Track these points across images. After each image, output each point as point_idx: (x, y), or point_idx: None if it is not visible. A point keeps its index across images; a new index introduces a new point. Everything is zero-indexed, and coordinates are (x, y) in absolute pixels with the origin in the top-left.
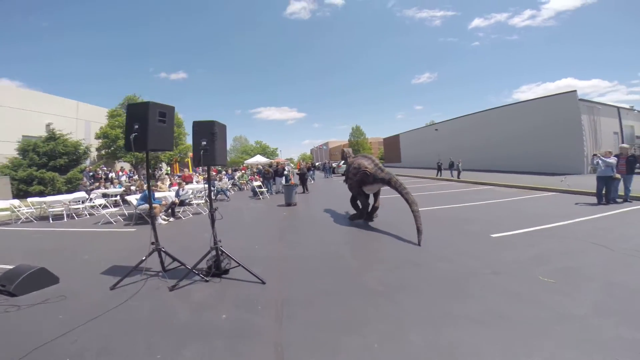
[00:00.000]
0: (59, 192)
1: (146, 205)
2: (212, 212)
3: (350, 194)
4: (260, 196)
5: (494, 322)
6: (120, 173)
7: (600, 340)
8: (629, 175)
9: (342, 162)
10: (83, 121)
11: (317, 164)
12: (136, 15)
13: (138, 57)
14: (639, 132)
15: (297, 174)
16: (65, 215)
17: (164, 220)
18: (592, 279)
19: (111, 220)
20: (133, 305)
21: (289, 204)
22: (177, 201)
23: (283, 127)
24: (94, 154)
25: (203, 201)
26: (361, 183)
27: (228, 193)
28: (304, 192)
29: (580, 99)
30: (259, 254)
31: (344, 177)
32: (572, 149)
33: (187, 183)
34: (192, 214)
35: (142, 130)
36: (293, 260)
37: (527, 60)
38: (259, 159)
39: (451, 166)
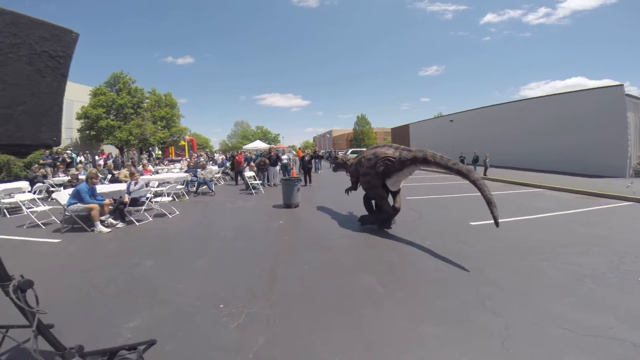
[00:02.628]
0: (17, 179)
1: (80, 206)
2: None
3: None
4: (253, 190)
5: None
6: (97, 158)
7: None
8: None
9: (349, 151)
10: (65, 100)
11: (322, 152)
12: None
13: (145, 41)
14: None
15: (302, 160)
16: None
17: (108, 227)
18: None
19: (38, 222)
20: None
21: (288, 205)
22: (126, 200)
23: (287, 114)
24: (75, 136)
25: (170, 198)
26: (385, 175)
27: (213, 185)
28: (306, 184)
29: (627, 95)
30: (219, 335)
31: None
32: (614, 149)
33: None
34: (153, 217)
35: None
36: None
37: (537, 58)
38: (258, 145)
39: (475, 161)
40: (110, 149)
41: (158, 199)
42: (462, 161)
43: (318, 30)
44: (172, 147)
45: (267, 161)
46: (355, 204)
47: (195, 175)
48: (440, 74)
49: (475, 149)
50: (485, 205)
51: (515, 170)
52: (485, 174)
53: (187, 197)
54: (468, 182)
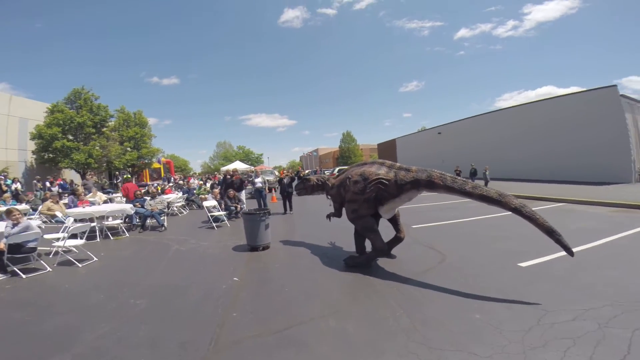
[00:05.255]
0: None
1: None
2: None
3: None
4: (214, 224)
5: None
6: (47, 184)
7: None
8: None
9: (336, 170)
10: (17, 119)
11: (307, 171)
12: (132, 21)
13: (131, 61)
14: None
15: (275, 187)
16: None
17: None
18: None
19: None
20: None
21: (253, 247)
22: (1, 247)
23: (273, 135)
24: (30, 158)
25: (80, 241)
26: (377, 202)
27: (162, 219)
28: (285, 212)
29: (622, 95)
30: None
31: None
32: (615, 153)
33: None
34: (58, 265)
35: None
36: None
37: (509, 69)
38: (238, 165)
39: (473, 175)
40: (71, 174)
41: (70, 241)
42: (459, 175)
43: (303, 49)
44: (147, 170)
45: (233, 192)
46: (347, 233)
47: (142, 206)
48: (420, 89)
49: (466, 160)
50: (525, 232)
51: (516, 182)
52: None
53: (127, 234)
54: (504, 209)
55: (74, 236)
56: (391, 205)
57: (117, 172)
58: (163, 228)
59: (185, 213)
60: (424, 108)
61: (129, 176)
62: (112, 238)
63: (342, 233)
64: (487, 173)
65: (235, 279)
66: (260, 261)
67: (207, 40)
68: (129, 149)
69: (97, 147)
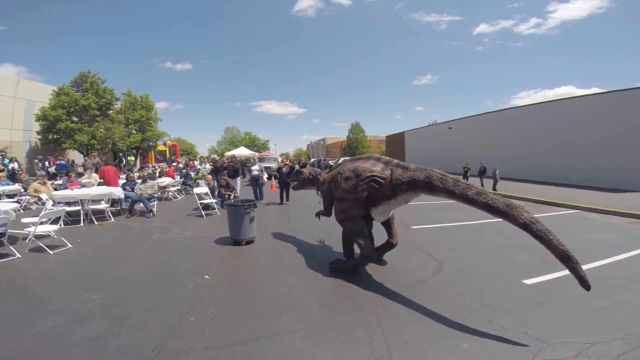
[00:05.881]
0: None
1: None
2: None
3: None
4: (203, 212)
5: None
6: (47, 164)
7: None
8: None
9: (341, 160)
10: (24, 100)
11: (312, 160)
12: (146, 7)
13: (146, 46)
14: None
15: (275, 175)
16: None
17: None
18: None
19: None
20: None
21: (236, 241)
22: None
23: (282, 122)
24: (35, 139)
25: (54, 226)
26: (368, 202)
27: (151, 204)
28: (281, 202)
29: None
30: None
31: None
32: (636, 160)
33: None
34: (29, 251)
35: None
36: None
37: (528, 67)
38: (242, 152)
39: (482, 173)
40: (75, 155)
41: (44, 227)
42: (466, 173)
43: (316, 39)
44: (152, 152)
45: (226, 179)
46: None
47: (132, 190)
48: (434, 83)
49: (476, 157)
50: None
51: (526, 183)
52: (494, 189)
53: (113, 220)
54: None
55: (56, 220)
56: (385, 207)
57: (120, 154)
58: (151, 214)
59: (179, 198)
60: (437, 102)
61: (132, 158)
62: (96, 223)
63: (336, 231)
64: (496, 172)
65: (206, 277)
66: (240, 258)
67: (221, 27)
68: (134, 131)
69: (102, 129)
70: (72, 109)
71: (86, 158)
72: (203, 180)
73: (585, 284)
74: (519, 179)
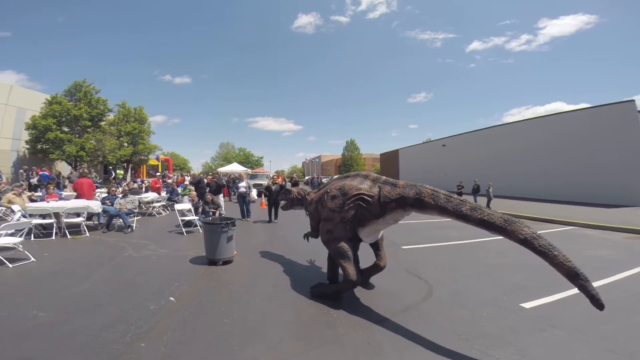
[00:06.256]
0: None
1: None
2: None
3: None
4: (183, 229)
5: None
6: (30, 174)
7: None
8: None
9: (335, 178)
10: (15, 108)
11: (306, 178)
12: (148, 19)
13: (145, 59)
14: None
15: (265, 192)
16: None
17: None
18: None
19: None
20: None
21: (212, 261)
22: None
23: (278, 138)
24: (23, 148)
25: (18, 239)
26: (357, 223)
27: (130, 220)
28: (269, 220)
29: None
30: None
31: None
32: (630, 174)
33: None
34: None
35: None
36: None
37: (519, 84)
38: (235, 168)
39: (476, 191)
40: (63, 166)
41: (5, 239)
42: (461, 193)
43: (314, 56)
44: (144, 166)
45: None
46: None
47: (112, 204)
48: (429, 100)
49: (470, 175)
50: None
51: (521, 201)
52: (488, 206)
53: (88, 234)
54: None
55: (22, 233)
56: (374, 227)
57: (110, 167)
58: (129, 229)
59: (164, 214)
60: (431, 120)
61: (122, 172)
62: (69, 237)
63: (327, 251)
64: (490, 190)
65: (171, 298)
66: (213, 279)
67: (221, 42)
68: (125, 144)
69: (92, 141)
70: (63, 119)
71: (72, 170)
72: (187, 197)
73: (597, 302)
74: (513, 197)
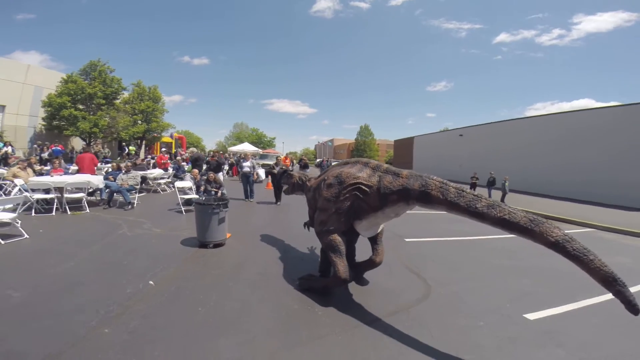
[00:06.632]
0: None
1: None
2: None
3: None
4: (183, 208)
5: None
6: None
7: None
8: None
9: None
10: (32, 87)
11: (317, 160)
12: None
13: (165, 41)
14: None
15: (270, 173)
16: None
17: None
18: None
19: None
20: None
21: (203, 244)
22: None
23: (293, 121)
24: (39, 125)
25: (11, 214)
26: (354, 215)
27: (130, 196)
28: (276, 202)
29: None
30: None
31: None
32: None
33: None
34: None
35: None
36: None
37: (546, 78)
38: (246, 148)
39: (491, 184)
40: (78, 142)
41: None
42: (475, 184)
43: (332, 41)
44: (158, 144)
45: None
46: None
47: (114, 180)
48: (449, 90)
49: (486, 167)
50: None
51: (538, 197)
52: (502, 200)
53: (88, 210)
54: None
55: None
56: (372, 220)
57: (124, 143)
58: (130, 206)
59: (168, 191)
60: (450, 109)
61: (133, 148)
62: (69, 213)
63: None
64: (506, 184)
65: (150, 282)
66: (200, 263)
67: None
68: (139, 121)
69: (106, 118)
70: (78, 97)
71: (83, 146)
72: (189, 174)
73: (634, 308)
74: (530, 192)
